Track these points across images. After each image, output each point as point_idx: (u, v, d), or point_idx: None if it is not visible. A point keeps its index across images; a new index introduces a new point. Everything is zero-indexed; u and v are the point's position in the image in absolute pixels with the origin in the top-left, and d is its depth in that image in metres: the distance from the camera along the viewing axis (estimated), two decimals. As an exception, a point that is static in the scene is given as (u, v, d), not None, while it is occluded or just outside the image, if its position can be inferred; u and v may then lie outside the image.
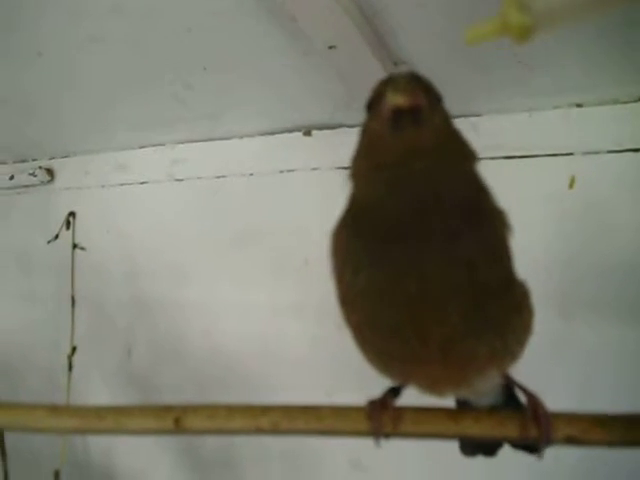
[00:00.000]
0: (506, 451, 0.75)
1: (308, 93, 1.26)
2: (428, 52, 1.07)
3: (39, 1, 0.99)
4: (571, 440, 0.60)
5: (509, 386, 0.69)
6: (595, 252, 1.16)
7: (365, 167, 0.59)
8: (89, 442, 1.68)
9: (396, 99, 0.53)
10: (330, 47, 1.00)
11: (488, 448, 0.78)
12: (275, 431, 0.63)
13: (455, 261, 0.54)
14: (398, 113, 0.53)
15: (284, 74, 1.19)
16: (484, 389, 0.65)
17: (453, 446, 0.78)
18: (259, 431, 0.63)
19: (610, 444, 0.59)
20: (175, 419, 0.65)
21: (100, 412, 0.69)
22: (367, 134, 0.59)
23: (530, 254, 1.14)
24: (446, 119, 0.59)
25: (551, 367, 1.13)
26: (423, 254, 0.54)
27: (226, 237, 1.53)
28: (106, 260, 1.66)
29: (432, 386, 0.63)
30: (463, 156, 0.58)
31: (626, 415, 0.60)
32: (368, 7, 0.95)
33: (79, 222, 1.47)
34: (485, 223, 0.56)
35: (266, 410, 0.64)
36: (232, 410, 0.65)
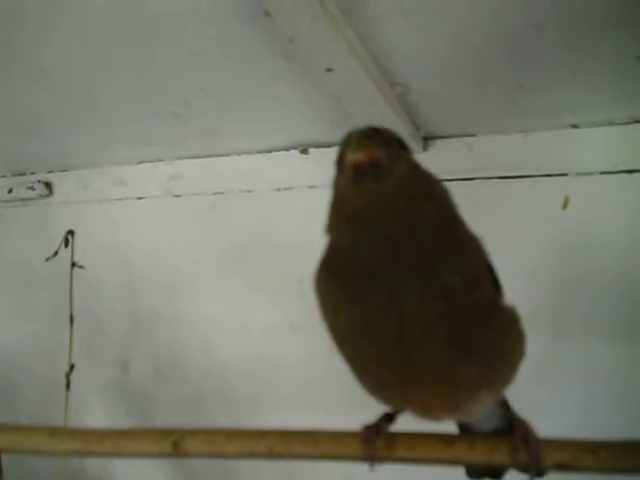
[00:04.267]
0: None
1: (305, 112, 1.28)
2: (423, 74, 1.08)
3: (46, 21, 0.99)
4: (562, 467, 0.60)
5: (502, 411, 0.70)
6: (588, 272, 1.17)
7: (336, 219, 0.61)
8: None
9: (354, 156, 0.57)
10: (328, 70, 1.01)
11: (494, 471, 0.79)
12: (270, 455, 0.64)
13: (432, 291, 0.55)
14: (358, 168, 0.57)
15: (282, 94, 1.20)
16: (481, 413, 0.66)
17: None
18: (255, 455, 0.64)
19: (601, 471, 0.60)
20: (174, 443, 0.66)
21: (99, 435, 0.70)
22: (335, 189, 0.62)
23: (523, 274, 1.17)
24: (409, 166, 0.61)
25: (543, 388, 1.13)
26: (400, 289, 0.55)
27: (223, 254, 1.53)
28: (103, 275, 1.66)
29: (426, 412, 0.64)
30: (429, 197, 0.59)
31: (617, 442, 0.61)
32: (364, 31, 0.96)
33: (76, 236, 1.46)
34: (458, 251, 0.58)
35: (264, 435, 0.65)
36: (230, 434, 0.66)
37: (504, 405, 0.69)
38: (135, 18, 0.98)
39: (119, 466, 1.63)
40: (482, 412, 0.65)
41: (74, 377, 1.46)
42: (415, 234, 0.56)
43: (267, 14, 0.85)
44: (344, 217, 0.59)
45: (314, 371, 1.39)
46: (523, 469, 0.63)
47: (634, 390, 1.13)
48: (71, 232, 1.35)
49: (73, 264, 1.37)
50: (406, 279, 0.55)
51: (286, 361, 1.44)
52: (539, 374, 1.12)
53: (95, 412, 1.64)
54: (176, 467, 1.55)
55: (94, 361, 1.65)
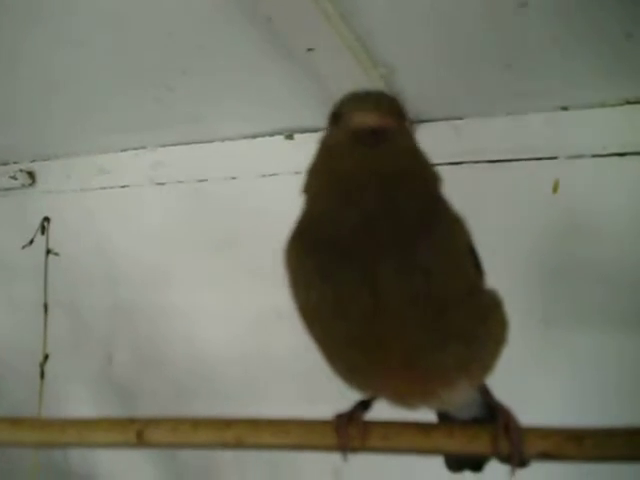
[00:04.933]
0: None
1: (289, 96, 1.25)
2: (409, 53, 1.06)
3: (18, 3, 0.97)
4: (546, 456, 0.58)
5: (484, 399, 0.67)
6: (579, 258, 1.15)
7: (318, 181, 0.57)
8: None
9: (364, 118, 0.52)
10: (309, 50, 0.98)
11: (474, 463, 0.76)
12: (240, 445, 0.61)
13: (410, 271, 0.52)
14: (363, 132, 0.52)
15: (264, 77, 1.18)
16: (458, 401, 0.63)
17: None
18: (224, 445, 0.61)
19: (586, 459, 0.57)
20: (137, 432, 0.63)
21: (62, 425, 0.67)
22: (327, 148, 0.57)
23: (512, 260, 1.14)
24: (410, 141, 0.57)
25: (533, 376, 1.11)
26: (376, 267, 0.52)
27: (207, 242, 1.50)
28: (86, 265, 1.64)
29: (399, 399, 0.61)
30: (423, 179, 0.56)
31: (603, 429, 0.58)
32: (346, 8, 0.93)
33: (60, 226, 1.44)
34: (442, 231, 0.55)
35: (231, 423, 0.62)
36: (196, 424, 0.62)
37: (485, 392, 0.66)
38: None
39: (103, 455, 1.61)
40: (460, 400, 0.63)
41: (56, 369, 1.43)
42: (399, 210, 0.52)
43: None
44: (328, 180, 0.55)
45: (302, 361, 1.36)
46: (505, 459, 0.60)
47: (626, 380, 1.10)
48: (47, 219, 1.32)
49: (48, 251, 1.34)
50: (383, 257, 0.52)
51: (273, 351, 1.41)
52: (528, 361, 1.10)
53: (78, 405, 1.61)
54: (161, 458, 1.53)
55: (78, 352, 1.63)
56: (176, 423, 0.63)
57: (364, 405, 0.65)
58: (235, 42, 1.06)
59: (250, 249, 1.45)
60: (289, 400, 1.28)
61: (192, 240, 1.53)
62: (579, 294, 1.15)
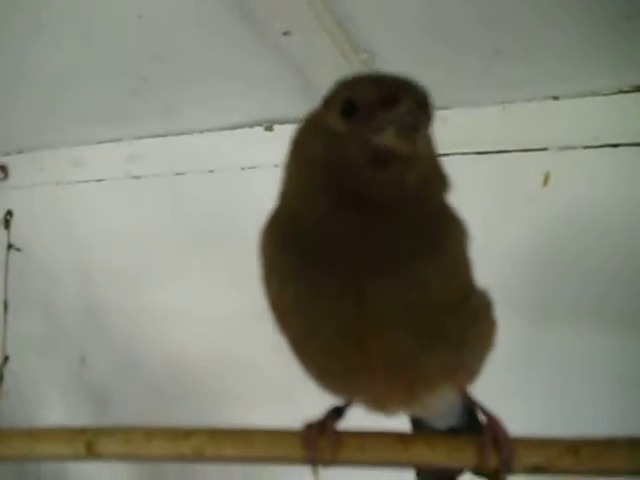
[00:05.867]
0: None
1: (267, 85, 1.20)
2: (392, 38, 1.01)
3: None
4: (538, 469, 0.53)
5: (470, 406, 0.62)
6: (570, 254, 1.11)
7: (313, 175, 0.50)
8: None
9: (396, 141, 0.45)
10: (284, 33, 0.93)
11: (446, 476, 0.70)
12: (199, 458, 0.56)
13: (403, 279, 0.47)
14: (388, 155, 0.45)
15: (241, 64, 1.13)
16: (439, 407, 0.58)
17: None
18: (181, 458, 0.56)
19: (583, 473, 0.52)
20: (87, 443, 0.57)
21: (7, 436, 0.61)
22: (329, 142, 0.49)
23: (501, 255, 1.10)
24: (429, 149, 0.50)
25: (521, 379, 1.07)
26: (365, 269, 0.47)
27: (185, 238, 1.46)
28: (59, 261, 1.60)
29: (377, 403, 0.56)
30: (432, 190, 0.51)
31: (601, 440, 0.53)
32: (325, -12, 0.88)
33: (32, 221, 1.40)
34: (442, 236, 0.50)
35: (189, 434, 0.57)
36: (150, 434, 0.57)
37: (469, 399, 0.61)
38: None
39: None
40: (442, 405, 0.57)
41: (27, 371, 1.39)
42: (400, 221, 0.47)
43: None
44: (324, 177, 0.48)
45: (284, 364, 1.31)
46: (489, 473, 0.55)
47: (618, 382, 1.06)
48: (9, 213, 1.28)
49: (9, 246, 1.29)
50: (376, 263, 0.47)
51: (253, 353, 1.35)
52: (514, 363, 1.06)
53: (50, 408, 1.59)
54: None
55: (48, 353, 1.59)
56: (129, 433, 0.58)
57: (337, 412, 0.60)
58: (208, 25, 1.01)
59: (230, 245, 1.39)
60: (272, 405, 1.25)
61: (169, 236, 1.49)
62: (569, 291, 1.10)
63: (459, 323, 0.52)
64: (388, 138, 0.45)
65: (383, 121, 0.45)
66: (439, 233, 0.50)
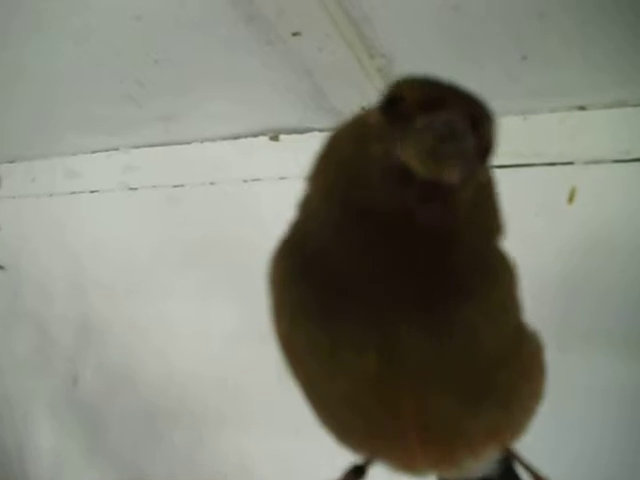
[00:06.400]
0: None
1: (274, 91, 1.15)
2: (410, 42, 0.95)
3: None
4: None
5: (510, 459, 0.55)
6: (598, 275, 1.04)
7: (340, 184, 0.41)
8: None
9: (442, 171, 0.35)
10: (294, 34, 0.88)
11: None
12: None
13: (444, 325, 0.40)
14: (431, 187, 0.36)
15: (245, 68, 1.08)
16: (480, 469, 0.51)
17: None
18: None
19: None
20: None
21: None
22: (362, 143, 0.40)
23: (524, 277, 1.03)
24: (482, 185, 0.43)
25: (545, 411, 1.00)
26: (394, 313, 0.39)
27: (184, 252, 1.41)
28: (52, 275, 1.57)
29: (407, 466, 0.48)
30: (479, 234, 0.43)
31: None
32: (339, -14, 0.83)
33: (24, 233, 1.36)
34: (491, 279, 0.43)
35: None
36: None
37: (510, 454, 0.54)
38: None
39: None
40: (482, 467, 0.50)
41: (17, 389, 1.36)
42: (440, 267, 0.40)
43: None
44: (348, 198, 0.40)
45: (285, 387, 1.26)
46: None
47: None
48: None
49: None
50: (407, 304, 0.40)
51: (253, 374, 1.30)
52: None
53: (40, 429, 1.54)
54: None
55: (39, 371, 1.55)
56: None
57: (357, 472, 0.52)
58: (210, 27, 0.97)
59: (230, 261, 1.36)
60: (272, 429, 1.20)
61: (167, 251, 1.44)
62: (598, 317, 1.03)
63: (509, 375, 0.45)
64: (432, 170, 0.35)
65: (414, 127, 0.36)
66: (487, 271, 0.43)
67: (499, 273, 0.45)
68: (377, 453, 0.49)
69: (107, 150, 1.52)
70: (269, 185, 1.32)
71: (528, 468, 0.52)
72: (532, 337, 0.49)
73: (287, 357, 0.47)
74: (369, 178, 0.39)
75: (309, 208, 0.44)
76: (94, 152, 1.53)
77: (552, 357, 1.01)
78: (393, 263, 0.39)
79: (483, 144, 0.40)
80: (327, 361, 0.42)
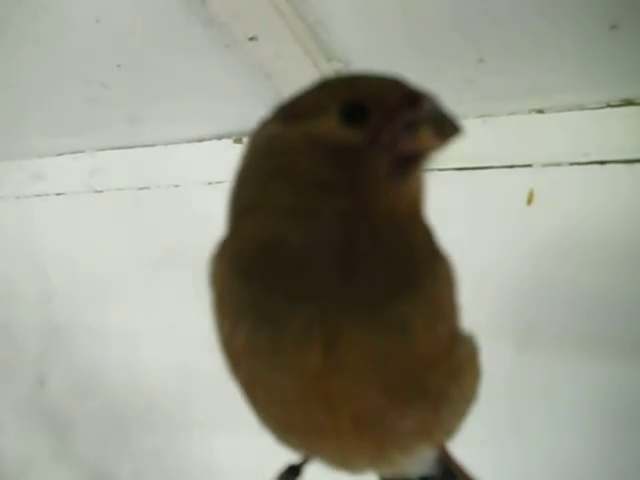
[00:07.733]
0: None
1: (236, 95, 1.15)
2: (365, 46, 0.95)
3: None
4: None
5: (444, 460, 0.55)
6: (556, 276, 1.05)
7: (310, 199, 0.42)
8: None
9: (431, 138, 0.42)
10: (251, 39, 0.88)
11: None
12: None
13: (382, 326, 0.40)
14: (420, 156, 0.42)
15: (207, 72, 1.08)
16: (414, 465, 0.51)
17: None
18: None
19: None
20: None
21: None
22: (347, 162, 0.42)
23: (483, 279, 1.04)
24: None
25: (505, 411, 1.01)
26: (339, 314, 0.40)
27: (150, 256, 1.40)
28: (17, 278, 1.56)
29: (343, 463, 0.49)
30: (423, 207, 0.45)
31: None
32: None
33: None
34: (429, 270, 0.43)
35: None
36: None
37: (444, 454, 0.54)
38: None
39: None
40: (416, 464, 0.50)
41: None
42: (393, 242, 0.41)
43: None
44: (324, 209, 0.41)
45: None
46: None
47: (614, 413, 1.00)
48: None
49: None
50: (354, 300, 0.40)
51: (219, 377, 1.28)
52: (499, 394, 1.00)
53: (6, 433, 1.53)
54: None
55: (5, 376, 1.55)
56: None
57: (293, 471, 0.53)
58: (169, 31, 0.97)
59: (196, 264, 1.30)
60: (239, 434, 1.15)
61: (133, 253, 1.43)
62: (555, 318, 1.04)
63: (439, 378, 0.45)
64: (425, 135, 0.41)
65: (412, 120, 0.41)
66: (425, 266, 0.43)
67: (437, 265, 0.45)
68: (315, 451, 0.49)
69: (73, 152, 1.50)
70: (234, 188, 1.32)
71: (458, 468, 0.53)
72: (466, 342, 0.49)
73: (228, 356, 0.48)
74: (364, 183, 0.41)
75: (254, 217, 0.45)
76: (60, 154, 1.52)
77: (509, 359, 1.03)
78: (337, 261, 0.40)
79: None
80: (270, 359, 0.42)
